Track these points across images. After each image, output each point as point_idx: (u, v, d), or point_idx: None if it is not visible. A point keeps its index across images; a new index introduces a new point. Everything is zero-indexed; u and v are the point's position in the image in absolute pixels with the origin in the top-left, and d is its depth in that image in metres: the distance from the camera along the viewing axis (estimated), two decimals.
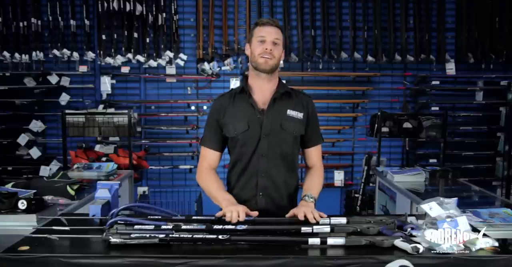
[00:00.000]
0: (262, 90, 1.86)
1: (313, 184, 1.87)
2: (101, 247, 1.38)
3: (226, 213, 1.60)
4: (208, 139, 1.91)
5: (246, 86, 1.87)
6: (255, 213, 1.65)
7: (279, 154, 1.84)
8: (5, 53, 4.50)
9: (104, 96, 4.68)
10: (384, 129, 4.13)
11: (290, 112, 1.85)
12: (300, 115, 1.86)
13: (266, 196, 1.84)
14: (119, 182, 1.97)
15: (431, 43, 4.72)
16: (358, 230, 1.46)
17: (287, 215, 1.66)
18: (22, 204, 1.95)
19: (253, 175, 1.84)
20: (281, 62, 2.06)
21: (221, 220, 1.58)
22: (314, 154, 1.94)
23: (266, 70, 1.81)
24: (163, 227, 1.48)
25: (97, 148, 4.46)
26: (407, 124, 4.18)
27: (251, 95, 1.86)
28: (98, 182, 1.89)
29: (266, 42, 1.79)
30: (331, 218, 1.57)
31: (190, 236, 1.42)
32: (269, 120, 1.82)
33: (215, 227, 1.49)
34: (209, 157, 1.90)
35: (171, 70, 4.70)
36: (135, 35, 4.56)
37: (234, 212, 1.58)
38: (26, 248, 1.34)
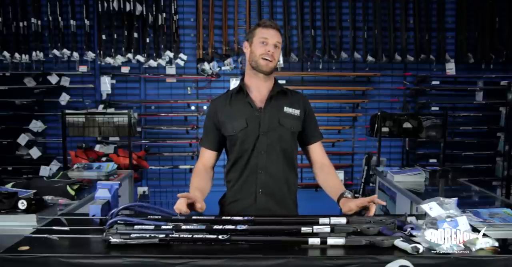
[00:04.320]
0: (259, 89, 1.92)
1: (336, 182, 1.87)
2: (101, 247, 1.38)
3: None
4: (205, 140, 1.97)
5: (244, 86, 1.92)
6: (200, 207, 1.64)
7: (279, 150, 1.86)
8: (5, 53, 4.50)
9: (104, 96, 4.68)
10: (384, 129, 4.13)
11: (287, 109, 1.89)
12: (296, 112, 1.90)
13: (266, 193, 1.84)
14: (119, 182, 1.96)
15: (431, 43, 4.73)
16: (358, 230, 1.46)
17: (345, 211, 1.65)
18: (22, 204, 1.95)
19: (252, 172, 1.86)
20: (281, 62, 2.12)
21: (220, 220, 1.57)
22: (317, 150, 1.95)
23: (266, 72, 1.86)
24: (163, 227, 1.48)
25: (97, 148, 4.47)
26: (407, 124, 4.18)
27: (249, 94, 1.91)
28: (98, 182, 1.88)
29: (268, 44, 1.84)
30: (331, 218, 1.56)
31: (190, 236, 1.41)
32: (267, 117, 1.86)
33: (215, 227, 1.49)
34: (205, 156, 1.94)
35: (171, 70, 4.71)
36: (135, 35, 4.57)
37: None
38: (26, 248, 1.34)
